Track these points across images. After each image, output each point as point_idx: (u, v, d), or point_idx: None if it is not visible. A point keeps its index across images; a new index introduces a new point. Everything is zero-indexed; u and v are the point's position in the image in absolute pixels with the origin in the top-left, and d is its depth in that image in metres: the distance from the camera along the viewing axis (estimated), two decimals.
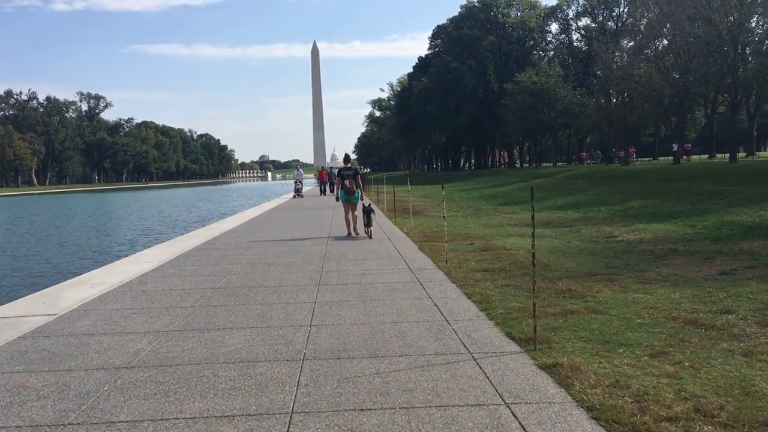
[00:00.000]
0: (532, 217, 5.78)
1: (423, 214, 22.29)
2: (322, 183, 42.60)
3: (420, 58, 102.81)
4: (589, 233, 14.71)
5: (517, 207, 27.84)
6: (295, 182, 39.13)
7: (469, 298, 7.32)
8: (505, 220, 19.68)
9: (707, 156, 51.13)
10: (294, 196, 37.51)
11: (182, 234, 18.50)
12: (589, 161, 58.13)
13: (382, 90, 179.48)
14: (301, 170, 40.81)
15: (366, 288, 8.19)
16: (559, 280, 8.34)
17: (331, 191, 39.14)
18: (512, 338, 5.68)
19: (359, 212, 14.67)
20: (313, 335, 5.91)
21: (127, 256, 13.05)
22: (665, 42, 49.43)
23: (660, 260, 10.04)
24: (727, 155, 40.92)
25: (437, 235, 14.64)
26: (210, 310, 7.13)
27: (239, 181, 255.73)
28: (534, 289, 5.66)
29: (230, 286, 8.57)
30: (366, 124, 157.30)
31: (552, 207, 26.06)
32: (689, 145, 43.22)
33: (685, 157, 44.63)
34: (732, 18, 35.10)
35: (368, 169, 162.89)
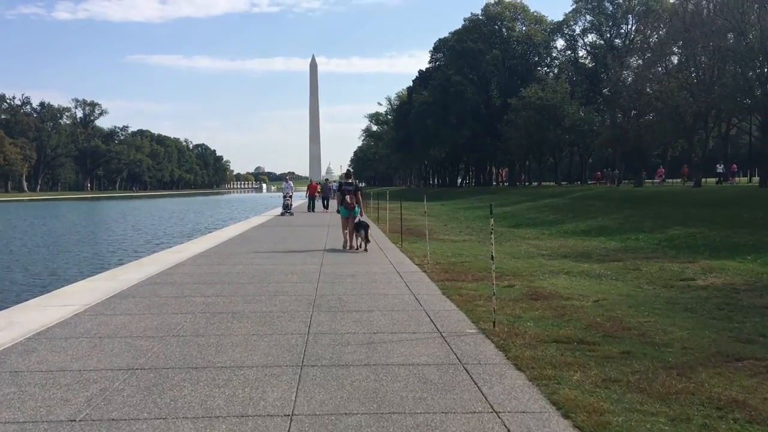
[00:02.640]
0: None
1: (432, 237, 19.08)
2: (310, 198, 37.01)
3: (420, 72, 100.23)
4: (652, 272, 11.56)
5: (534, 230, 24.77)
6: (284, 197, 32.45)
7: (567, 418, 4.13)
8: (532, 248, 16.52)
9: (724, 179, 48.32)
10: (282, 213, 31.14)
11: (141, 257, 15.18)
12: (603, 181, 54.77)
13: (380, 104, 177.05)
14: (290, 183, 34.29)
15: (379, 377, 4.98)
16: (691, 372, 5.15)
17: (325, 207, 35.56)
18: None
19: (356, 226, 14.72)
20: None
21: (43, 294, 9.69)
22: (674, 60, 46.97)
23: None
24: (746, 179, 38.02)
25: (460, 268, 11.45)
26: None
27: (234, 192, 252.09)
28: None
29: (157, 365, 5.33)
30: (362, 138, 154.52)
31: (575, 232, 22.98)
32: (735, 166, 40.07)
33: (732, 179, 41.35)
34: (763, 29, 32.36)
35: (363, 184, 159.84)
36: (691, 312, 7.78)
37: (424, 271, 11.05)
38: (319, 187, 39.22)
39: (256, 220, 28.19)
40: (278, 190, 36.56)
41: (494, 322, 6.63)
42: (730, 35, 35.27)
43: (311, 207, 35.59)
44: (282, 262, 12.46)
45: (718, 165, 43.75)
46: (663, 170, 50.91)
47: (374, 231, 20.23)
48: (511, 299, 8.38)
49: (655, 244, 17.40)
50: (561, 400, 4.43)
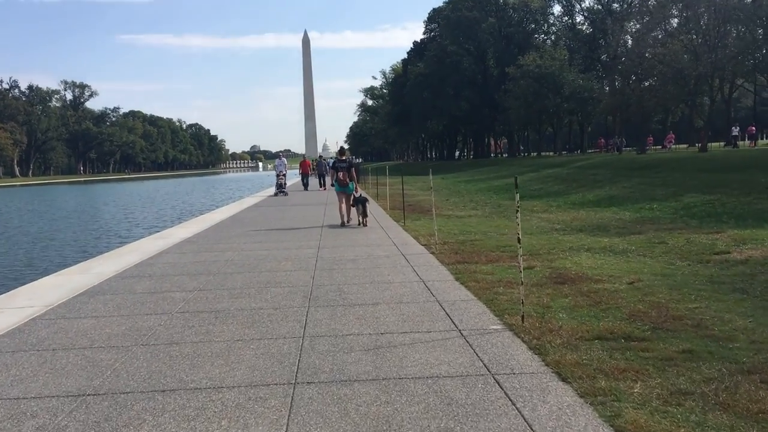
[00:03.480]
0: None
1: (436, 214, 18.02)
2: (304, 176, 35.37)
3: (415, 43, 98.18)
4: (679, 245, 10.55)
5: (540, 202, 23.75)
6: (277, 175, 30.03)
7: None
8: (543, 222, 15.51)
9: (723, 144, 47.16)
10: (276, 193, 29.04)
11: (122, 245, 14.08)
12: (609, 148, 53.19)
13: (375, 78, 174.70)
14: (284, 160, 31.62)
15: (392, 398, 3.97)
16: None
17: (321, 185, 34.15)
18: None
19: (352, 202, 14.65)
20: None
21: (6, 291, 8.57)
22: (674, 22, 45.46)
23: None
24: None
25: (471, 248, 10.43)
26: None
27: (230, 171, 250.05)
28: None
29: (115, 388, 4.30)
30: (358, 113, 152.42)
31: (584, 203, 21.97)
32: (754, 127, 38.66)
33: (750, 142, 39.97)
34: None
35: (360, 160, 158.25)
36: (742, 293, 6.77)
37: (432, 253, 10.02)
38: (313, 164, 37.40)
39: (249, 201, 27.07)
40: (274, 168, 33.39)
41: (522, 316, 5.62)
42: None
43: (306, 184, 33.91)
44: (275, 246, 11.43)
45: (733, 127, 42.42)
46: (673, 136, 49.35)
47: (375, 209, 19.18)
48: (535, 284, 7.36)
49: (672, 213, 16.39)
50: (629, 427, 3.43)
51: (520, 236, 5.77)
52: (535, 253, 9.84)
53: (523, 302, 5.67)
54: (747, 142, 43.12)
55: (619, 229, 13.37)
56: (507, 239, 11.79)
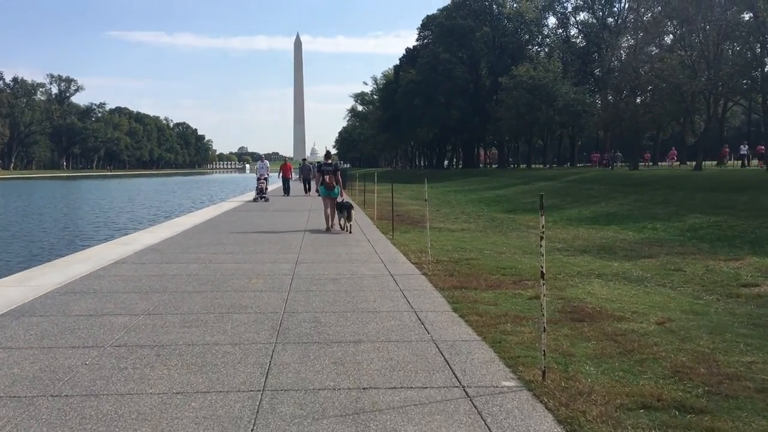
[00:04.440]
0: None
1: (425, 225, 16.85)
2: (285, 180, 32.08)
3: (408, 50, 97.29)
4: (699, 274, 9.48)
5: (534, 216, 22.66)
6: (258, 179, 27.26)
7: None
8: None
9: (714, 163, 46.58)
10: (255, 199, 26.48)
11: (82, 250, 12.67)
12: (604, 163, 52.08)
13: (366, 84, 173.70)
14: (266, 162, 29.20)
15: None
16: None
17: (307, 190, 32.56)
18: None
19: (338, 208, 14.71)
20: None
21: None
22: (669, 39, 44.87)
23: None
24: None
25: (467, 269, 9.26)
26: None
27: (216, 172, 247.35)
28: None
29: None
30: (348, 118, 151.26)
31: (581, 219, 20.95)
32: (762, 147, 37.86)
33: (762, 162, 39.10)
34: None
35: (348, 165, 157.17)
36: None
37: (424, 274, 8.83)
38: (293, 167, 34.79)
39: (230, 204, 25.73)
40: (255, 171, 30.45)
41: (544, 371, 4.44)
42: (730, 10, 33.22)
43: (288, 189, 31.44)
44: (248, 259, 10.18)
45: (741, 146, 41.73)
46: (675, 151, 48.38)
47: (361, 218, 18.02)
48: (548, 321, 6.19)
49: (678, 234, 15.38)
50: None
51: (543, 271, 4.58)
52: (538, 277, 8.67)
53: (545, 353, 4.48)
54: (755, 161, 42.53)
55: (626, 251, 12.29)
56: (506, 259, 10.64)
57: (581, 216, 21.86)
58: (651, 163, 56.81)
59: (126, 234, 15.87)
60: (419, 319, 6.23)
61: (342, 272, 8.94)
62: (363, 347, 5.24)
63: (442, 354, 5.08)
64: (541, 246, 4.49)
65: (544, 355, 4.45)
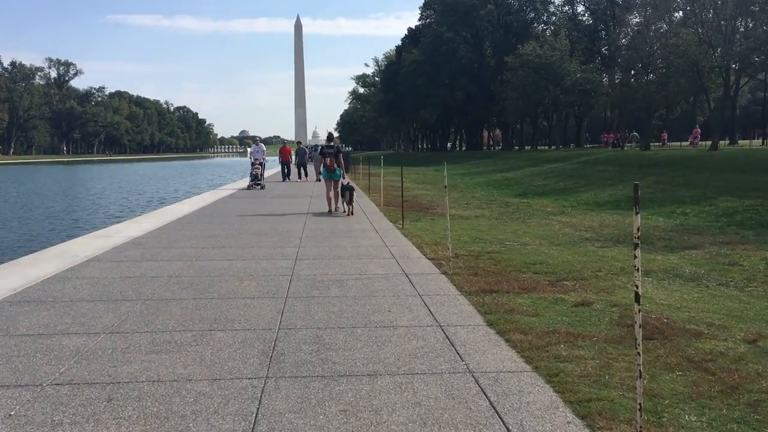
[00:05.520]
0: None
1: (437, 212, 15.62)
2: (284, 164, 30.21)
3: (410, 29, 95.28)
4: (761, 269, 8.21)
5: (549, 200, 21.41)
6: (252, 164, 24.56)
7: None
8: (566, 227, 13.11)
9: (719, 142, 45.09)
10: (249, 186, 24.04)
11: (59, 243, 11.40)
12: (625, 142, 50.16)
13: (367, 66, 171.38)
14: (262, 146, 26.56)
15: None
16: None
17: (305, 175, 30.30)
18: None
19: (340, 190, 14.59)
20: None
21: None
22: (679, 14, 43.17)
23: None
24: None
25: (492, 266, 8.01)
26: None
27: (217, 156, 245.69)
28: None
29: None
30: (349, 100, 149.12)
31: (599, 203, 19.67)
32: None
33: None
34: None
35: (350, 148, 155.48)
36: None
37: (444, 273, 7.57)
38: (292, 150, 32.93)
39: (227, 190, 24.43)
40: (250, 156, 28.21)
41: (639, 431, 3.19)
42: None
43: (287, 174, 29.77)
44: (241, 255, 8.93)
45: None
46: (699, 130, 46.33)
47: (366, 204, 16.78)
48: (607, 338, 4.95)
49: (713, 220, 14.08)
50: None
51: (639, 292, 3.27)
52: (580, 278, 7.43)
53: (640, 407, 3.21)
54: None
55: (664, 240, 11.01)
56: (533, 252, 9.38)
57: (599, 200, 20.55)
58: (661, 144, 55.25)
59: (118, 222, 14.60)
60: (447, 338, 4.98)
61: (348, 271, 7.69)
62: (380, 384, 4.00)
63: (485, 394, 3.84)
64: (635, 257, 3.19)
65: (640, 410, 3.19)
